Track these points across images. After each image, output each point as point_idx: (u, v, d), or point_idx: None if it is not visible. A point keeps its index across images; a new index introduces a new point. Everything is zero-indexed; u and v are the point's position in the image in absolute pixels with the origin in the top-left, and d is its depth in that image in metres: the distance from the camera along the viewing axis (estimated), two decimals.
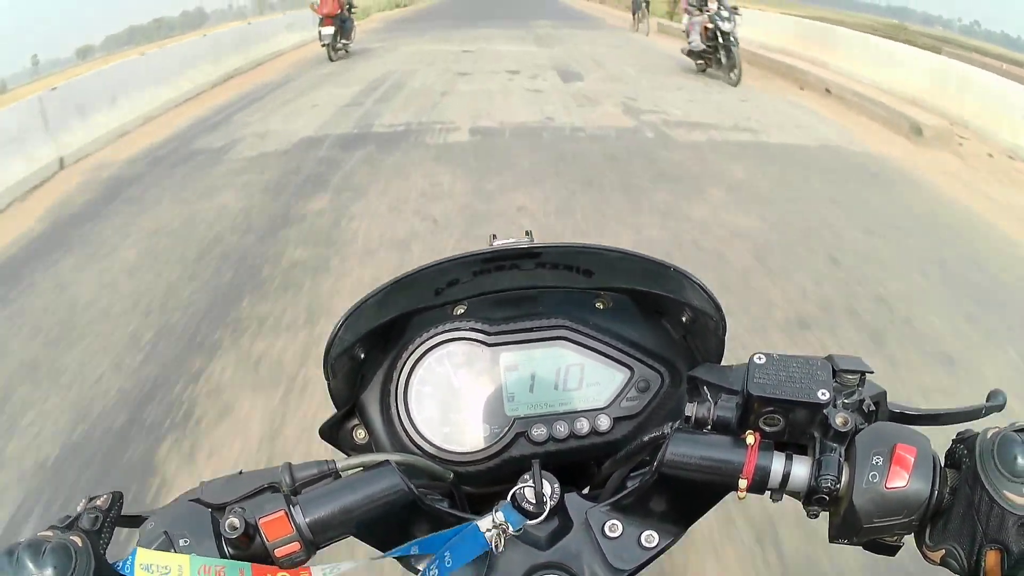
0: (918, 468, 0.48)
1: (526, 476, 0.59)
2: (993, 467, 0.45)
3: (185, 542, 0.50)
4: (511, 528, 0.55)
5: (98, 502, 0.52)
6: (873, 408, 0.55)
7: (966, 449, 0.48)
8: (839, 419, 0.51)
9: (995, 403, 0.56)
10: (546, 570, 0.57)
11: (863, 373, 0.54)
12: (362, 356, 0.75)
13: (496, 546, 0.55)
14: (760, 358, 0.54)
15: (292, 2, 16.06)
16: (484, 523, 0.55)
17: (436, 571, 0.53)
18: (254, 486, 0.55)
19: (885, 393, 0.57)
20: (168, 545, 0.50)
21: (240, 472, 0.58)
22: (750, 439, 0.53)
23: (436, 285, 0.75)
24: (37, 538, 0.46)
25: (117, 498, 0.53)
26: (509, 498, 0.57)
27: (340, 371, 0.72)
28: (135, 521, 0.53)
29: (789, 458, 0.52)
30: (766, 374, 0.52)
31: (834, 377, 0.53)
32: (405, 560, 0.56)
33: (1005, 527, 0.44)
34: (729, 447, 0.54)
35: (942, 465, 0.49)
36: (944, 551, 0.48)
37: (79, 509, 0.51)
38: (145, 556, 0.48)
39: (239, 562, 0.50)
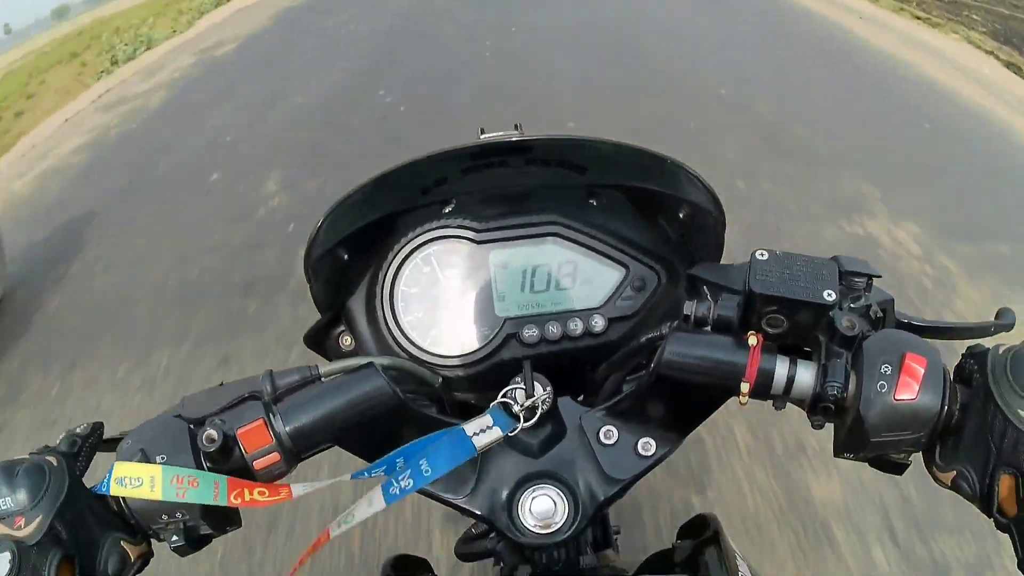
0: (928, 380, 0.45)
1: (517, 379, 0.57)
2: (1007, 384, 0.42)
3: (162, 458, 0.49)
4: (500, 432, 0.53)
5: (77, 430, 0.51)
6: (880, 315, 0.53)
7: (977, 365, 0.46)
8: (845, 322, 0.48)
9: (1005, 321, 0.54)
10: (538, 479, 0.55)
11: (870, 277, 0.51)
12: (346, 258, 0.72)
13: (484, 451, 0.53)
14: (762, 254, 0.50)
15: None
16: (471, 427, 0.53)
17: (411, 481, 0.50)
18: (234, 397, 0.53)
19: (892, 301, 0.54)
20: (144, 461, 0.48)
21: (221, 384, 0.56)
22: (752, 340, 0.50)
23: (422, 183, 0.70)
24: (10, 460, 0.46)
25: (97, 427, 0.52)
26: (499, 400, 0.55)
27: (322, 273, 0.69)
28: (113, 444, 0.51)
29: (793, 362, 0.50)
30: (769, 271, 0.49)
31: (840, 279, 0.50)
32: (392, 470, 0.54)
33: (1020, 449, 0.41)
34: (730, 347, 0.51)
35: (952, 380, 0.46)
36: (955, 473, 0.45)
37: (58, 439, 0.50)
38: (120, 469, 0.47)
39: (214, 474, 0.49)
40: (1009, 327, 0.54)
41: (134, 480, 0.47)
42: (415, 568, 0.76)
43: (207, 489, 0.48)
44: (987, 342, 0.48)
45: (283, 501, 0.51)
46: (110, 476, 0.48)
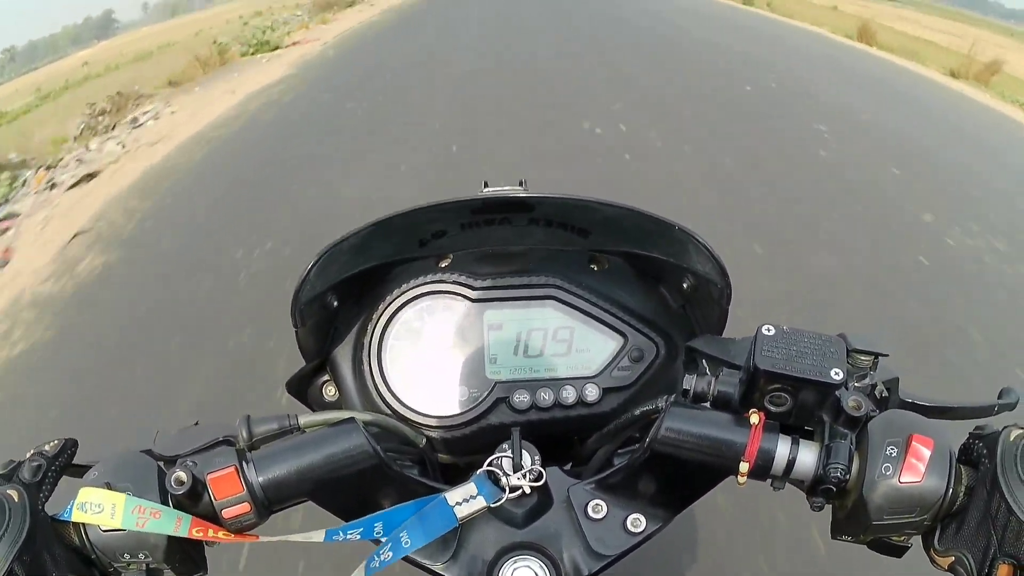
0: (934, 463, 0.43)
1: (504, 445, 0.55)
2: (1015, 474, 0.41)
3: (128, 491, 0.47)
4: (485, 502, 0.50)
5: (46, 447, 0.49)
6: (885, 394, 0.51)
7: (986, 448, 0.44)
8: (852, 402, 0.46)
9: (1008, 400, 0.53)
10: (520, 551, 0.52)
11: (877, 355, 0.50)
12: (335, 305, 0.70)
13: (466, 523, 0.51)
14: (769, 329, 0.49)
15: None
16: (454, 495, 0.50)
17: (391, 554, 0.48)
18: (209, 439, 0.51)
19: (898, 380, 0.53)
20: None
21: (196, 423, 0.54)
22: (754, 418, 0.48)
23: (421, 235, 0.69)
24: None
25: (68, 445, 0.50)
26: (484, 468, 0.53)
27: (310, 319, 0.66)
28: (80, 471, 0.50)
29: (796, 442, 0.48)
30: (775, 347, 0.47)
31: (847, 357, 0.48)
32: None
33: (1022, 540, 0.40)
34: (730, 426, 0.49)
35: (956, 461, 0.45)
36: (953, 558, 0.44)
37: (26, 456, 0.48)
38: (83, 495, 0.46)
39: (179, 511, 0.46)
40: (1012, 407, 0.53)
41: (95, 506, 0.45)
42: None
43: (168, 522, 0.46)
44: (991, 422, 0.47)
45: (248, 541, 0.49)
46: (73, 503, 0.46)
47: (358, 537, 0.49)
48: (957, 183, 4.37)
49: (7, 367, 2.83)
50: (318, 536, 0.48)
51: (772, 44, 8.39)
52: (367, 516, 0.49)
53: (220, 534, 0.48)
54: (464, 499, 0.50)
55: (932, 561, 0.46)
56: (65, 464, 0.50)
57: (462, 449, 0.68)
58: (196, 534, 0.46)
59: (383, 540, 0.49)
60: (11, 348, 2.98)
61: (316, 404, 0.72)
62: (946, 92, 7.17)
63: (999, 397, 0.54)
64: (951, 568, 0.45)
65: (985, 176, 4.53)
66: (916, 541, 0.48)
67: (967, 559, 0.43)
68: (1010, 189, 4.38)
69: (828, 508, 0.49)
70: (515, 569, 0.52)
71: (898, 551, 0.48)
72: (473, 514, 0.50)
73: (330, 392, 0.72)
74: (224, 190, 4.56)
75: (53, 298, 3.33)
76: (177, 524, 0.46)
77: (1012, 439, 0.43)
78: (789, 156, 4.70)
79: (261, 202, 4.19)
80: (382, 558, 0.48)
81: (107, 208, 4.39)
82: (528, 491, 0.52)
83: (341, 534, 0.48)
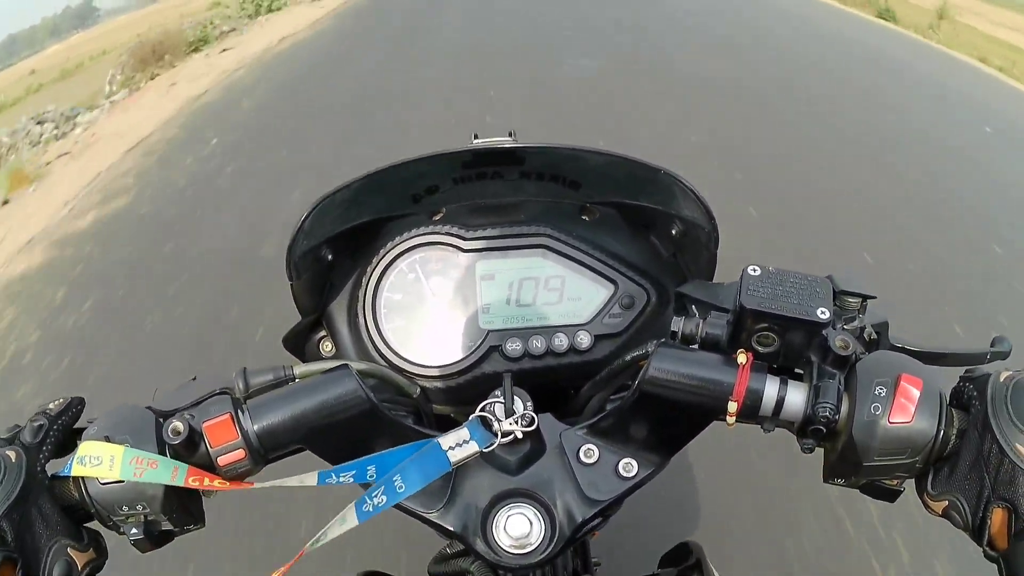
0: (924, 403, 0.43)
1: (497, 392, 0.55)
2: (1006, 415, 0.41)
3: (125, 443, 0.47)
4: (477, 447, 0.51)
5: (50, 406, 0.50)
6: (874, 338, 0.51)
7: (976, 391, 0.44)
8: (839, 341, 0.46)
9: (1000, 349, 0.53)
10: (514, 498, 0.53)
11: (865, 297, 0.50)
12: (330, 259, 0.70)
13: (459, 467, 0.51)
14: (755, 270, 0.49)
15: None
16: (447, 440, 0.51)
17: (384, 498, 0.48)
18: (205, 392, 0.51)
19: (887, 324, 0.53)
20: None
21: (194, 378, 0.54)
22: (742, 358, 0.48)
23: (414, 190, 0.69)
24: None
25: (74, 404, 0.51)
26: (477, 414, 0.53)
27: (305, 272, 0.67)
28: (80, 433, 0.50)
29: (784, 382, 0.48)
30: (761, 287, 0.48)
31: (834, 299, 0.49)
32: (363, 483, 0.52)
33: (1015, 483, 0.40)
34: (719, 365, 0.49)
35: (948, 404, 0.45)
36: (947, 502, 0.44)
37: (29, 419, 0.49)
38: (83, 448, 0.47)
39: (175, 461, 0.47)
40: (1005, 355, 0.53)
41: (94, 459, 0.46)
42: None
43: (165, 471, 0.47)
44: (983, 369, 0.47)
45: (243, 488, 0.50)
46: (73, 458, 0.47)
47: (351, 480, 0.49)
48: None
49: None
50: (311, 480, 0.48)
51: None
52: (359, 459, 0.50)
53: (216, 483, 0.49)
54: (457, 444, 0.50)
55: (926, 506, 0.46)
56: (69, 423, 0.50)
57: (456, 399, 0.69)
58: (192, 483, 0.47)
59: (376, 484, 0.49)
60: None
61: (313, 359, 0.73)
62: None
63: (992, 345, 0.54)
64: (945, 513, 0.45)
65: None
66: (910, 487, 0.47)
67: (961, 503, 0.43)
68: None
69: (819, 453, 0.49)
70: (509, 516, 0.52)
71: (891, 495, 0.48)
72: (466, 458, 0.51)
73: (327, 348, 0.73)
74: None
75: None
76: (174, 473, 0.47)
77: (1002, 380, 0.43)
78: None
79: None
80: (375, 502, 0.48)
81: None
82: (520, 436, 0.52)
83: (334, 476, 0.49)
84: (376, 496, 0.48)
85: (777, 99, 4.83)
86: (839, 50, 6.51)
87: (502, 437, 0.52)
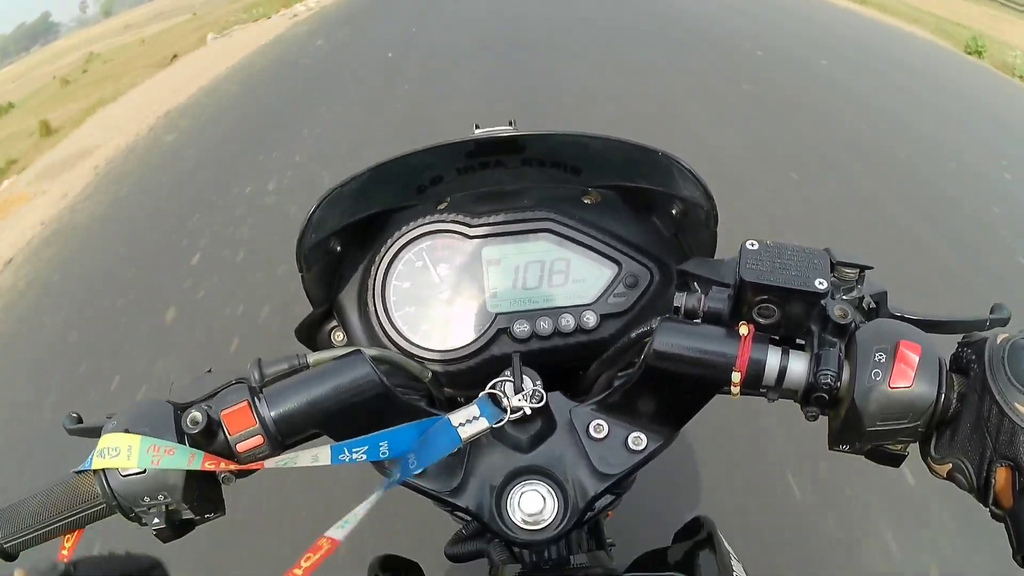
0: (923, 368, 0.44)
1: (507, 372, 0.56)
2: (1004, 376, 0.42)
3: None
4: (487, 423, 0.52)
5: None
6: (873, 307, 0.52)
7: (974, 354, 0.45)
8: (838, 310, 0.47)
9: (1000, 316, 0.53)
10: (527, 475, 0.54)
11: (863, 268, 0.51)
12: (339, 250, 0.71)
13: (470, 443, 0.52)
14: (753, 244, 0.49)
15: None
16: (457, 417, 0.52)
17: (398, 474, 0.49)
18: (222, 383, 0.53)
19: (885, 293, 0.53)
20: None
21: (209, 371, 0.55)
22: (743, 330, 0.49)
23: (419, 182, 0.71)
24: None
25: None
26: (486, 392, 0.54)
27: (315, 264, 0.68)
28: (97, 431, 0.51)
29: (785, 352, 0.49)
30: (759, 260, 0.49)
31: (832, 271, 0.49)
32: (377, 462, 0.53)
33: (1016, 442, 0.40)
34: (721, 338, 0.50)
35: (948, 368, 0.46)
36: (951, 465, 0.44)
37: None
38: (103, 441, 0.48)
39: (192, 448, 0.48)
40: (1004, 322, 0.53)
41: (113, 451, 0.47)
42: (405, 570, 0.74)
43: (182, 457, 0.48)
44: (981, 334, 0.47)
45: (257, 469, 0.51)
46: (93, 453, 0.48)
47: (364, 457, 0.50)
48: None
49: None
50: (324, 456, 0.49)
51: None
52: (371, 434, 0.50)
53: (231, 467, 0.50)
54: (467, 420, 0.51)
55: (931, 470, 0.47)
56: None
57: (467, 382, 0.70)
58: (208, 466, 0.48)
59: (388, 462, 0.50)
60: None
61: (324, 349, 0.74)
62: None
63: (991, 312, 0.54)
64: (949, 475, 0.45)
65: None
66: (914, 452, 0.48)
67: (965, 465, 0.43)
68: None
69: (823, 421, 0.50)
70: (523, 493, 0.53)
71: (896, 460, 0.48)
72: (476, 434, 0.52)
73: (338, 338, 0.75)
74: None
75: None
76: (191, 459, 0.48)
77: (999, 342, 0.43)
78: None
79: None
80: (389, 479, 0.50)
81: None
82: (529, 412, 0.53)
83: (346, 451, 0.49)
84: (391, 472, 0.50)
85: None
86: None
87: (511, 413, 0.53)
